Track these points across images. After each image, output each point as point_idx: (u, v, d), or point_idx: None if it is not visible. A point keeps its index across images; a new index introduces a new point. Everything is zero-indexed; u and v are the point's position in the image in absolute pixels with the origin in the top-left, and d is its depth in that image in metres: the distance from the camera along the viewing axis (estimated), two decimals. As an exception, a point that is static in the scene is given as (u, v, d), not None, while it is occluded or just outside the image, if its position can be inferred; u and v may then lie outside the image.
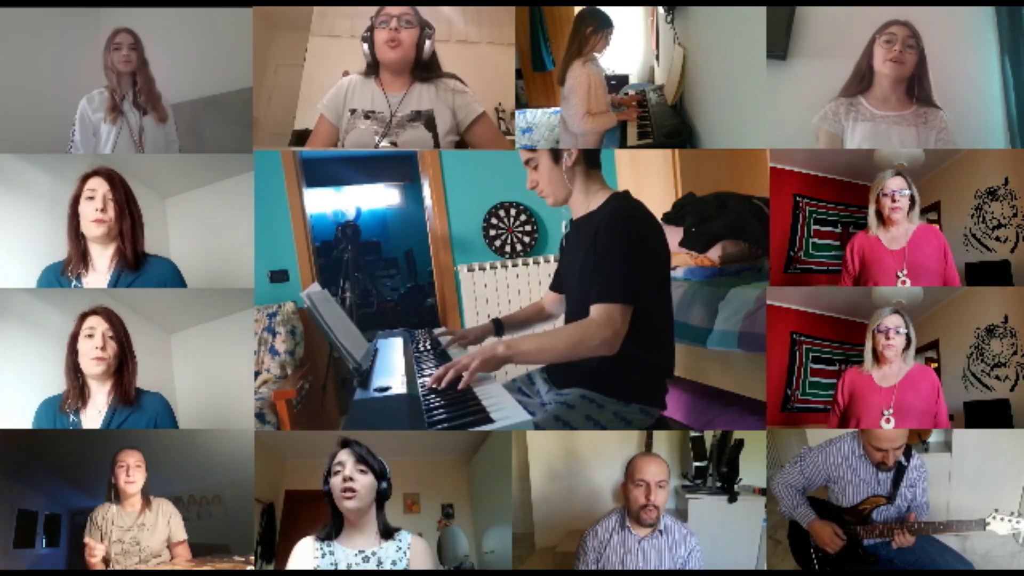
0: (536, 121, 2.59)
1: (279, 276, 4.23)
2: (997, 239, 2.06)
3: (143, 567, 1.95)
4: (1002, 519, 1.80)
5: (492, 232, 4.43)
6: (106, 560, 1.91)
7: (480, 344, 2.56)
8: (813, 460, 1.99)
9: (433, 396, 1.67)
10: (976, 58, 1.92)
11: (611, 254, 1.82)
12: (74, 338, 1.83)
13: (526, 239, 4.46)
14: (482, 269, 4.35)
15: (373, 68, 2.05)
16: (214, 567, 1.97)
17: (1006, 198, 2.05)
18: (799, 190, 2.16)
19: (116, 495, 1.98)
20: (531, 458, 2.54)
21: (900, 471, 1.92)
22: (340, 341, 1.83)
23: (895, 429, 1.92)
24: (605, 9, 2.32)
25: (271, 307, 3.99)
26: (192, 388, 2.40)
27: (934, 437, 2.27)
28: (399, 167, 8.95)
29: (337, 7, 2.63)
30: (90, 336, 1.82)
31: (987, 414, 2.05)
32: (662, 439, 2.48)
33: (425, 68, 2.04)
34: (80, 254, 1.88)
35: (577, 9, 2.38)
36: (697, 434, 2.46)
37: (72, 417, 1.84)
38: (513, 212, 4.43)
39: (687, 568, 1.90)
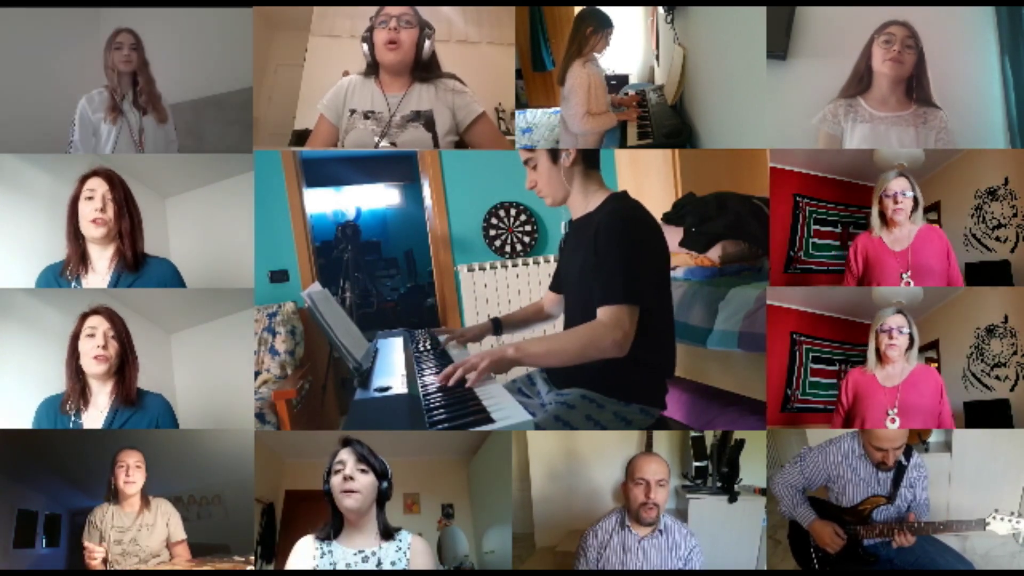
0: (536, 121, 2.59)
1: (279, 276, 4.23)
2: (997, 239, 2.06)
3: (143, 567, 1.95)
4: (1002, 519, 1.80)
5: (492, 232, 4.43)
6: (106, 563, 1.91)
7: (479, 342, 2.57)
8: (813, 460, 2.00)
9: (433, 396, 1.67)
10: (976, 58, 1.92)
11: (612, 255, 1.82)
12: (75, 338, 1.83)
13: (526, 239, 4.46)
14: (482, 269, 4.35)
15: (373, 68, 2.05)
16: (214, 567, 1.97)
17: (1006, 198, 2.05)
18: (799, 190, 2.16)
19: (115, 495, 1.98)
20: (531, 458, 2.54)
21: (900, 471, 1.92)
22: (340, 341, 1.83)
23: (895, 429, 1.92)
24: (605, 9, 2.32)
25: (271, 307, 3.99)
26: (192, 388, 2.39)
27: (934, 437, 2.28)
28: (399, 167, 8.95)
29: (337, 7, 2.63)
30: (91, 336, 1.82)
31: (987, 414, 2.05)
32: (662, 439, 2.48)
33: (425, 68, 2.04)
34: (79, 255, 1.88)
35: (577, 9, 2.37)
36: (697, 434, 2.46)
37: (73, 418, 1.83)
38: (513, 212, 4.44)
39: (687, 568, 1.91)
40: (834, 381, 2.15)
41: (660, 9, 2.72)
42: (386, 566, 1.51)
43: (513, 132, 2.50)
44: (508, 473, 2.45)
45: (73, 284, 1.88)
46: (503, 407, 1.50)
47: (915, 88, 1.86)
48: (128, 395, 1.85)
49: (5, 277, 2.15)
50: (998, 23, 1.90)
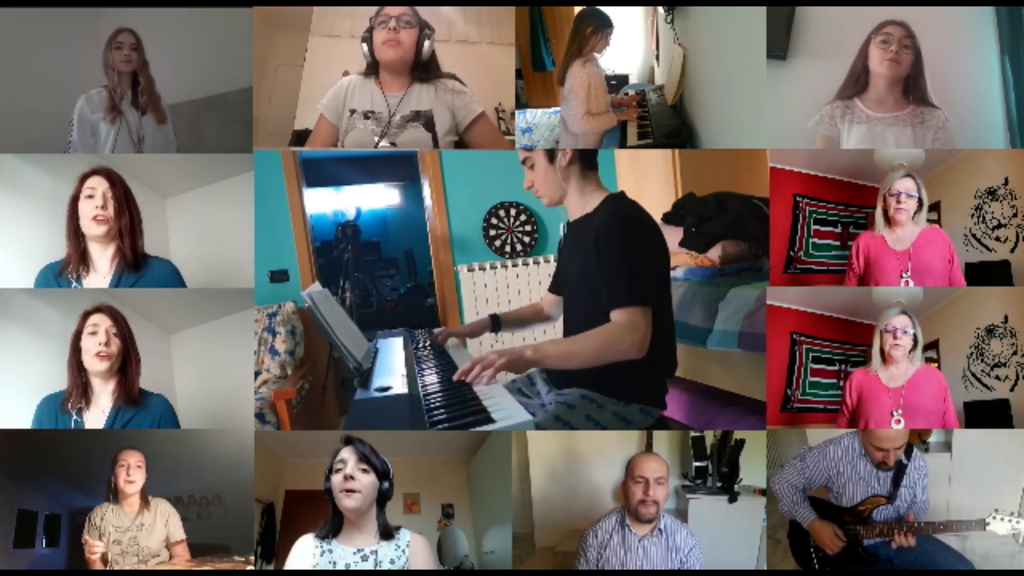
0: (536, 121, 2.59)
1: (279, 276, 4.23)
2: (997, 239, 2.06)
3: (142, 567, 1.95)
4: (1002, 519, 1.80)
5: (492, 232, 4.43)
6: (105, 559, 1.91)
7: (477, 338, 2.57)
8: (814, 459, 2.00)
9: (433, 396, 1.67)
10: (976, 58, 1.92)
11: (616, 257, 1.81)
12: (77, 336, 1.83)
13: (526, 239, 4.46)
14: (482, 269, 4.35)
15: (373, 68, 2.05)
16: (214, 567, 1.97)
17: (1006, 198, 2.05)
18: (799, 190, 2.16)
19: (115, 495, 1.98)
20: (531, 458, 2.54)
21: (901, 469, 1.92)
22: (341, 341, 1.83)
23: (896, 430, 1.92)
24: (605, 9, 2.32)
25: (271, 307, 3.99)
26: (192, 388, 2.39)
27: (934, 437, 2.28)
28: (399, 167, 8.95)
29: (337, 7, 2.63)
30: (93, 333, 1.81)
31: (987, 414, 2.05)
32: (662, 439, 2.48)
33: (424, 68, 2.04)
34: (80, 254, 1.87)
35: (577, 9, 2.37)
36: (697, 434, 2.46)
37: (75, 417, 1.83)
38: (513, 212, 4.44)
39: (687, 567, 1.91)
40: (834, 381, 2.15)
41: (660, 9, 2.72)
42: (385, 564, 1.51)
43: (513, 132, 2.50)
44: (508, 473, 2.45)
45: (74, 284, 1.88)
46: (503, 407, 1.50)
47: (912, 88, 1.86)
48: (130, 394, 1.85)
49: (5, 277, 2.15)
50: (998, 23, 1.90)
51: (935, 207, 2.09)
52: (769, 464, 2.29)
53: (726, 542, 2.39)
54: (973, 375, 2.06)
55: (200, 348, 2.44)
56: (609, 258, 1.83)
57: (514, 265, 4.38)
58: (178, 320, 2.43)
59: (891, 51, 1.83)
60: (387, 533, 1.54)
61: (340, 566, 1.49)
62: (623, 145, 2.51)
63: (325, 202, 8.65)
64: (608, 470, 2.49)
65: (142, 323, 2.22)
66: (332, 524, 1.53)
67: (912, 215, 1.97)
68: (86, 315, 1.83)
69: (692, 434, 2.46)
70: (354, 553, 1.50)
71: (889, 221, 1.99)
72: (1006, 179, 2.04)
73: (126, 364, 1.85)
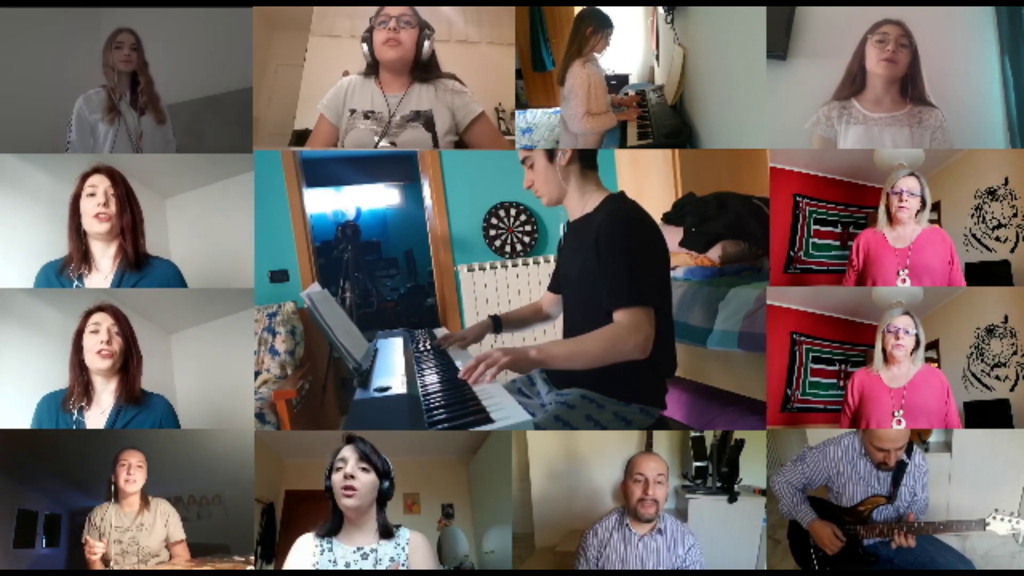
0: (536, 121, 2.59)
1: (279, 276, 4.23)
2: (997, 239, 2.06)
3: (142, 567, 1.95)
4: (1002, 519, 1.80)
5: (492, 232, 4.43)
6: (106, 560, 1.91)
7: (479, 342, 2.57)
8: (814, 459, 2.00)
9: (433, 396, 1.67)
10: (976, 58, 1.92)
11: (617, 257, 1.81)
12: (79, 334, 1.83)
13: (526, 239, 4.46)
14: (482, 269, 4.35)
15: (373, 68, 2.05)
16: (214, 567, 1.97)
17: (1006, 198, 2.05)
18: (799, 190, 2.16)
19: (115, 494, 1.98)
20: (531, 458, 2.54)
21: (901, 468, 1.92)
22: (340, 341, 1.83)
23: (896, 430, 1.92)
24: (605, 9, 2.32)
25: (271, 307, 3.99)
26: (192, 388, 2.39)
27: (934, 437, 2.27)
28: (399, 167, 8.95)
29: (337, 7, 2.63)
30: (95, 331, 1.81)
31: (987, 414, 2.05)
32: (662, 439, 2.48)
33: (424, 68, 2.04)
34: (82, 253, 1.87)
35: (577, 9, 2.37)
36: (697, 434, 2.46)
37: (76, 415, 1.83)
38: (513, 212, 4.44)
39: (686, 566, 1.91)
40: (834, 381, 2.15)
41: (660, 9, 2.72)
42: (385, 563, 1.51)
43: (513, 132, 2.50)
44: (508, 473, 2.45)
45: (75, 283, 1.88)
46: (503, 407, 1.50)
47: (910, 87, 1.85)
48: (132, 393, 1.85)
49: (5, 277, 2.15)
50: (998, 23, 1.90)
51: (935, 207, 2.09)
52: (769, 464, 2.29)
53: (726, 542, 2.39)
54: (973, 375, 2.06)
55: (200, 348, 2.44)
56: (609, 258, 1.83)
57: (514, 265, 4.38)
58: (178, 320, 2.43)
59: (888, 50, 1.82)
60: (387, 532, 1.54)
61: (340, 565, 1.49)
62: (623, 145, 2.51)
63: (325, 202, 8.65)
64: (608, 470, 2.49)
65: (142, 323, 2.22)
66: (332, 523, 1.53)
67: (914, 214, 1.96)
68: (88, 314, 1.83)
69: (692, 434, 2.46)
70: (354, 552, 1.50)
71: (891, 219, 1.98)
72: (1006, 179, 2.04)
73: (127, 363, 1.85)
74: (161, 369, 2.40)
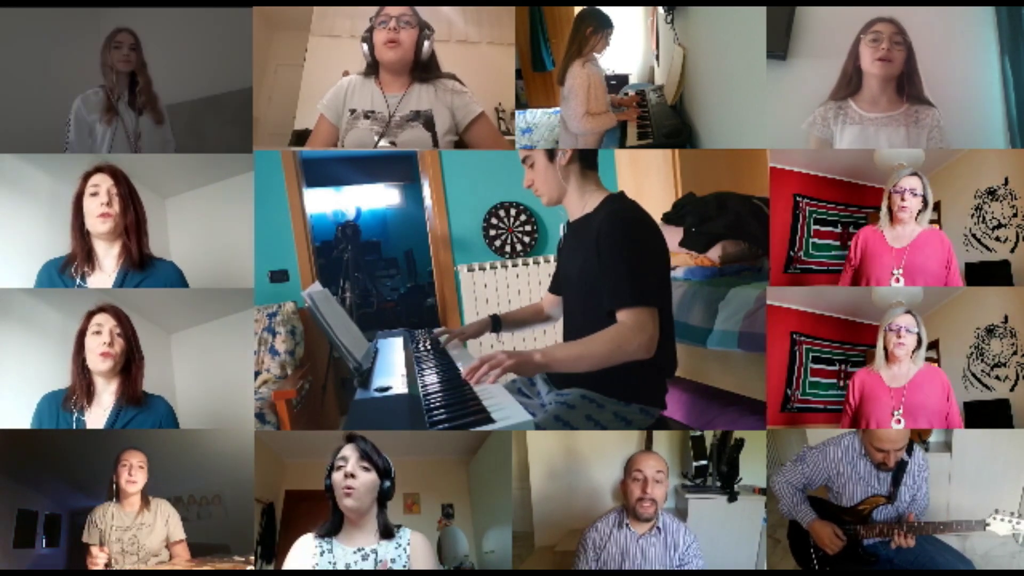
0: (536, 121, 2.59)
1: (279, 276, 4.23)
2: (997, 239, 2.06)
3: (142, 566, 1.95)
4: (1002, 519, 1.80)
5: (492, 232, 4.43)
6: (108, 566, 1.91)
7: (478, 339, 2.57)
8: (814, 459, 2.00)
9: (433, 396, 1.67)
10: (976, 58, 1.92)
11: (618, 257, 1.81)
12: (81, 334, 1.83)
13: (526, 239, 4.46)
14: (482, 269, 4.35)
15: (373, 68, 2.05)
16: (214, 567, 1.97)
17: (1006, 198, 2.05)
18: (799, 190, 2.16)
19: (117, 494, 1.98)
20: (531, 457, 2.54)
21: (901, 468, 1.92)
22: (340, 341, 1.83)
23: (896, 430, 1.92)
24: (605, 9, 2.32)
25: (271, 307, 3.99)
26: (192, 388, 2.40)
27: (934, 437, 2.27)
28: (399, 167, 8.95)
29: (337, 7, 2.63)
30: (98, 333, 1.81)
31: (987, 414, 2.05)
32: (662, 439, 2.48)
33: (424, 68, 2.04)
34: (85, 253, 1.87)
35: (577, 9, 2.37)
36: (697, 433, 2.46)
37: (76, 415, 1.83)
38: (513, 212, 4.44)
39: (685, 564, 1.91)
40: (834, 381, 2.15)
41: (660, 9, 2.72)
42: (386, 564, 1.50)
43: (513, 132, 2.50)
44: (508, 473, 2.45)
45: (77, 281, 1.88)
46: (503, 407, 1.50)
47: (907, 86, 1.84)
48: (134, 394, 1.85)
49: (5, 277, 2.15)
50: (998, 23, 1.89)
51: (935, 207, 2.09)
52: (769, 464, 2.29)
53: (726, 542, 2.39)
54: (973, 375, 2.06)
55: (200, 348, 2.44)
56: (611, 258, 1.82)
57: (514, 265, 4.38)
58: (178, 320, 2.43)
59: (882, 49, 1.81)
60: (387, 532, 1.54)
61: (340, 566, 1.48)
62: (623, 145, 2.51)
63: (325, 202, 8.65)
64: (608, 470, 2.49)
65: (142, 323, 2.22)
66: (332, 523, 1.52)
67: (915, 214, 1.96)
68: (90, 314, 1.83)
69: (692, 434, 2.46)
70: (354, 552, 1.50)
71: (892, 218, 1.98)
72: (1006, 179, 2.04)
73: (129, 364, 1.85)
74: (161, 369, 2.40)
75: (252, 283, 2.30)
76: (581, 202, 2.02)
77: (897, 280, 1.96)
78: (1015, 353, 2.04)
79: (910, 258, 1.97)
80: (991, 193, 2.06)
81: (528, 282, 4.36)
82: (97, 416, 1.84)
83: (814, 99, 1.94)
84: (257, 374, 3.71)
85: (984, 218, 2.06)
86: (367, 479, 1.50)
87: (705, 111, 2.36)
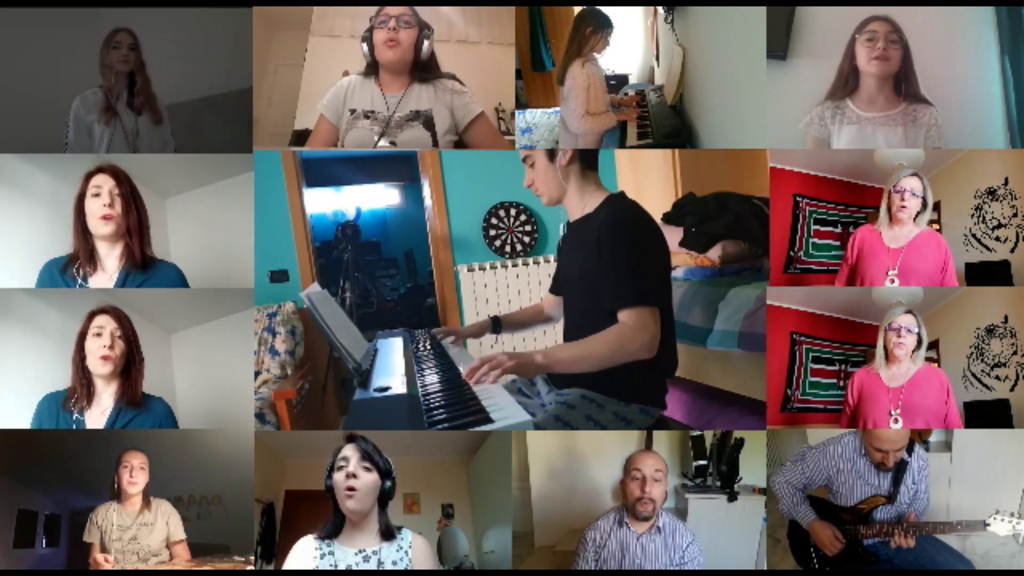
0: (536, 121, 2.59)
1: (279, 276, 4.23)
2: (997, 239, 2.06)
3: (142, 566, 1.95)
4: (1002, 520, 1.79)
5: (492, 232, 4.43)
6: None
7: (478, 339, 2.57)
8: (814, 458, 1.99)
9: (433, 396, 1.67)
10: (976, 58, 1.92)
11: (620, 257, 1.81)
12: (82, 336, 1.82)
13: (526, 239, 4.46)
14: (482, 269, 4.35)
15: (373, 68, 2.05)
16: (214, 567, 1.97)
17: (1006, 198, 2.05)
18: (799, 190, 2.16)
19: (119, 495, 1.98)
20: (531, 457, 2.54)
21: (902, 467, 1.92)
22: (340, 341, 1.83)
23: (895, 430, 1.92)
24: (605, 9, 2.32)
25: (271, 307, 3.99)
26: (192, 388, 2.39)
27: (934, 437, 2.27)
28: (399, 167, 8.95)
29: (337, 7, 2.63)
30: (98, 335, 1.81)
31: (987, 414, 2.05)
32: (662, 439, 2.48)
33: (424, 68, 2.04)
34: (88, 253, 1.87)
35: (577, 9, 2.37)
36: (697, 433, 2.46)
37: (76, 415, 1.83)
38: (513, 212, 4.44)
39: (685, 563, 1.91)
40: (834, 381, 2.15)
41: (660, 9, 2.72)
42: (387, 566, 1.50)
43: (513, 132, 2.50)
44: (508, 473, 2.45)
45: (79, 281, 1.88)
46: (503, 407, 1.50)
47: (904, 84, 1.84)
48: (133, 396, 1.85)
49: (5, 277, 2.15)
50: (998, 23, 1.89)
51: (935, 207, 2.09)
52: (769, 464, 2.28)
53: (726, 541, 2.39)
54: (973, 375, 2.06)
55: (200, 348, 2.44)
56: (612, 258, 1.82)
57: (514, 265, 4.38)
58: (178, 320, 2.43)
59: (878, 48, 1.80)
60: (389, 533, 1.53)
61: (341, 567, 1.48)
62: (623, 145, 2.51)
63: (325, 202, 8.65)
64: (608, 469, 2.49)
65: (142, 323, 2.22)
66: (333, 524, 1.52)
67: (914, 215, 1.96)
68: (91, 316, 1.83)
69: (692, 433, 2.46)
70: (356, 554, 1.49)
71: (891, 218, 1.98)
72: (1006, 179, 2.04)
73: (130, 366, 1.85)
74: (161, 369, 2.40)
75: (252, 283, 2.30)
76: (581, 202, 2.02)
77: (892, 280, 1.96)
78: (1015, 353, 2.04)
79: (906, 259, 1.96)
80: (991, 193, 2.05)
81: (528, 282, 4.36)
82: (96, 417, 1.84)
83: (814, 99, 1.94)
84: (257, 374, 3.72)
85: (984, 218, 2.06)
86: (369, 479, 1.49)
87: (705, 111, 2.36)
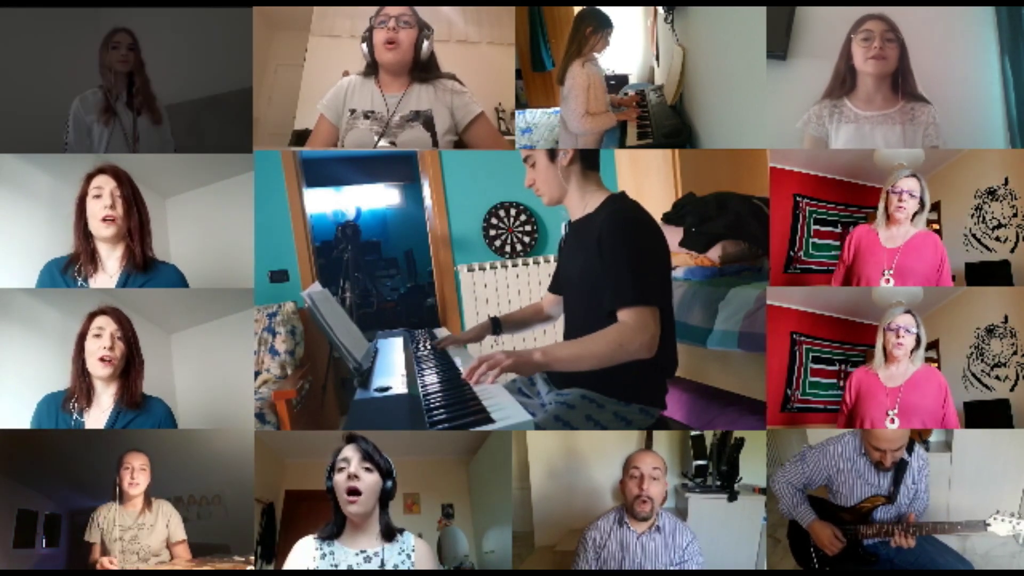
0: (536, 121, 2.59)
1: (279, 276, 4.23)
2: (997, 239, 2.06)
3: (142, 566, 1.95)
4: (1003, 520, 1.79)
5: (492, 232, 4.43)
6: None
7: (479, 342, 2.57)
8: (814, 458, 1.99)
9: (433, 396, 1.67)
10: (976, 58, 1.92)
11: (621, 257, 1.81)
12: (82, 337, 1.82)
13: (526, 239, 4.46)
14: (482, 269, 4.35)
15: (372, 68, 2.05)
16: (214, 567, 1.97)
17: (1006, 198, 2.05)
18: (799, 190, 2.16)
19: (120, 496, 1.98)
20: (531, 457, 2.54)
21: (901, 467, 1.92)
22: (340, 341, 1.83)
23: (894, 430, 1.92)
24: (605, 9, 2.32)
25: (271, 307, 3.99)
26: (192, 388, 2.40)
27: (934, 437, 2.27)
28: (399, 167, 8.95)
29: (337, 7, 2.63)
30: (98, 336, 1.81)
31: (987, 414, 2.05)
32: (662, 438, 2.48)
33: (423, 68, 2.04)
34: (89, 254, 1.86)
35: (577, 9, 2.37)
36: (697, 433, 2.46)
37: (75, 416, 1.83)
38: (513, 212, 4.44)
39: (685, 562, 1.91)
40: (834, 381, 2.15)
41: (660, 9, 2.72)
42: (389, 568, 1.50)
43: (513, 132, 2.50)
44: (508, 473, 2.45)
45: (80, 282, 1.87)
46: (503, 407, 1.50)
47: (901, 83, 1.83)
48: (133, 398, 1.84)
49: (5, 277, 2.15)
50: (998, 23, 1.89)
51: (935, 207, 2.09)
52: (769, 464, 2.29)
53: (726, 541, 2.39)
54: (973, 375, 2.06)
55: (200, 348, 2.44)
56: (613, 258, 1.82)
57: (514, 265, 4.38)
58: (178, 320, 2.43)
59: (874, 47, 1.80)
60: (389, 533, 1.52)
61: (342, 568, 1.48)
62: (623, 145, 2.51)
63: (325, 202, 8.65)
64: (608, 469, 2.49)
65: (142, 323, 2.22)
66: (335, 525, 1.51)
67: (911, 216, 1.96)
68: (92, 317, 1.83)
69: (692, 433, 2.46)
70: (356, 554, 1.49)
71: (889, 218, 1.98)
72: (1006, 179, 2.04)
73: (129, 368, 1.85)
74: (161, 369, 2.40)
75: (252, 283, 2.30)
76: (582, 202, 2.02)
77: (887, 280, 1.96)
78: (1015, 353, 2.04)
79: (902, 259, 1.96)
80: (991, 193, 2.06)
81: (528, 282, 4.36)
82: (96, 418, 1.84)
83: (814, 99, 1.94)
84: (257, 374, 3.72)
85: (984, 218, 2.06)
86: (370, 480, 1.48)
87: (705, 111, 2.36)
